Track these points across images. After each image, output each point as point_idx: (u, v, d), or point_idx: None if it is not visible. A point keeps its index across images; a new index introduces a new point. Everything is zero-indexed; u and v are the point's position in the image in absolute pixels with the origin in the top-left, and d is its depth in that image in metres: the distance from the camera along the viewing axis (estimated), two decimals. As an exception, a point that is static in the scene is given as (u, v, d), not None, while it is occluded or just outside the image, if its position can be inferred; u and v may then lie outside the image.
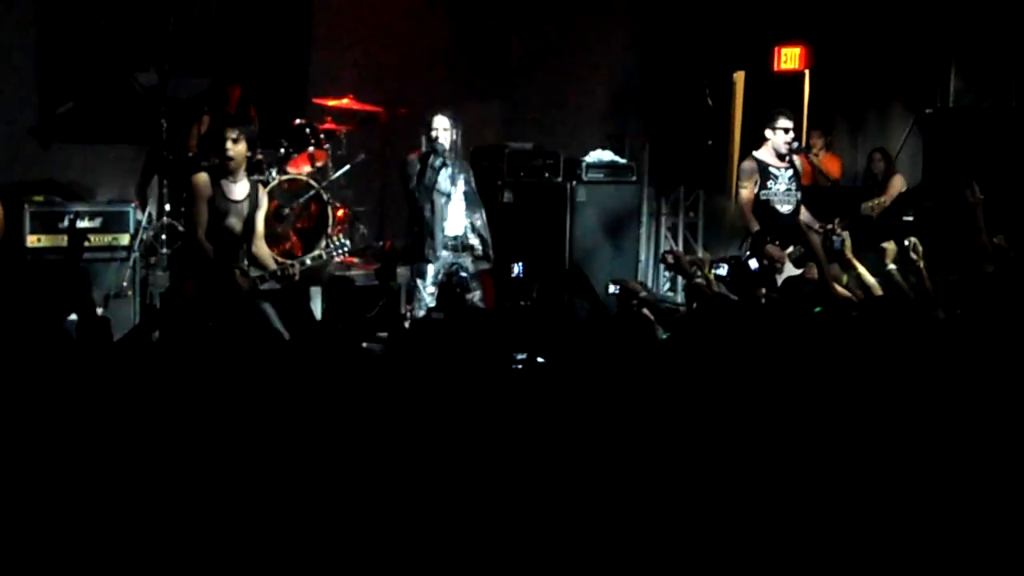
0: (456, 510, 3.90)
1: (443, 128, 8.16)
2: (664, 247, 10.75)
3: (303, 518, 3.82)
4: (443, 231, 8.21)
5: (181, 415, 4.16)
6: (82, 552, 3.63)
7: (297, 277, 7.38)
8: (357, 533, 3.81)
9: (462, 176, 8.31)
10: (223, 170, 7.29)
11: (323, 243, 7.86)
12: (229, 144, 7.23)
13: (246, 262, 7.36)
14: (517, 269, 7.45)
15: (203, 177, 7.27)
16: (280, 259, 7.72)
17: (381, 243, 9.13)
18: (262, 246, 7.48)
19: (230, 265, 7.21)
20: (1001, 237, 6.75)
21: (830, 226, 8.10)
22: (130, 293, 8.34)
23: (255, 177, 7.88)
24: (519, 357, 5.13)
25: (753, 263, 7.29)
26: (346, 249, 7.67)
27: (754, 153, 8.49)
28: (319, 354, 4.85)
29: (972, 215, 6.77)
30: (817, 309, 5.68)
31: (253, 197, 7.38)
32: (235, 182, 7.31)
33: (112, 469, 3.87)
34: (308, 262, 7.44)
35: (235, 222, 7.30)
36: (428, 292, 8.12)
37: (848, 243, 6.75)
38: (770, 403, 4.54)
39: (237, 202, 7.31)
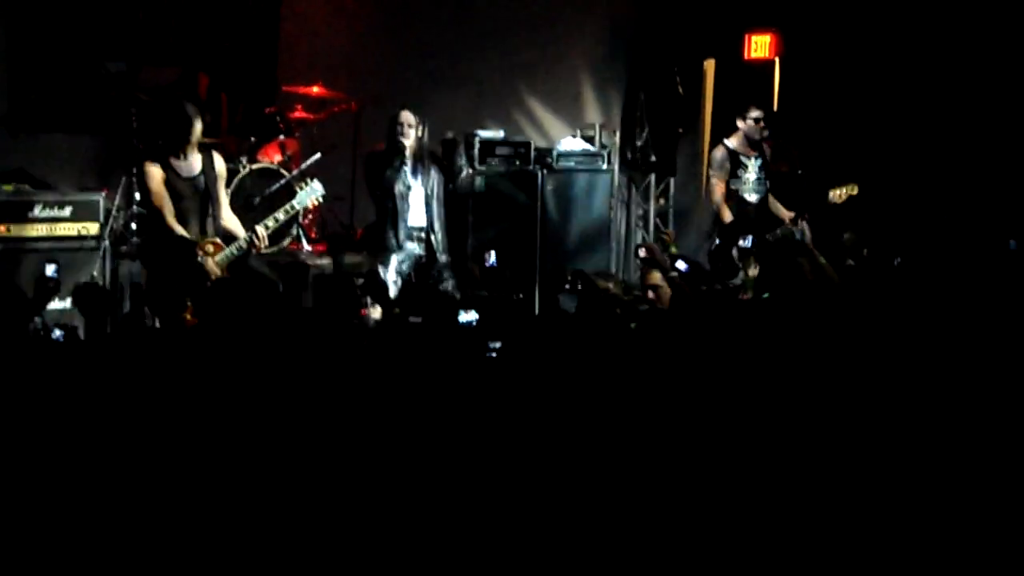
0: (441, 500, 3.93)
1: (408, 124, 8.16)
2: (636, 235, 10.76)
3: (297, 512, 3.84)
4: (406, 222, 8.22)
5: (175, 402, 4.18)
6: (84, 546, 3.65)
7: (266, 242, 7.49)
8: (353, 525, 3.83)
9: (430, 172, 8.32)
10: (174, 149, 7.36)
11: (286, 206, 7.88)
12: (197, 125, 7.40)
13: (217, 237, 7.45)
14: (491, 258, 7.46)
15: (153, 164, 7.38)
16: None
17: (352, 231, 9.12)
18: (228, 215, 7.61)
19: (202, 241, 7.33)
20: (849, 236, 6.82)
21: (796, 215, 8.17)
22: (100, 283, 8.29)
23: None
24: (493, 346, 5.18)
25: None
26: (319, 195, 7.72)
27: (724, 141, 8.53)
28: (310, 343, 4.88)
29: None
30: (765, 295, 5.74)
31: (208, 167, 7.50)
32: (186, 159, 7.43)
33: (106, 462, 3.88)
34: (270, 224, 7.52)
35: (194, 198, 7.44)
36: (391, 281, 8.13)
37: (808, 235, 6.82)
38: (747, 391, 4.58)
39: (192, 177, 7.45)
